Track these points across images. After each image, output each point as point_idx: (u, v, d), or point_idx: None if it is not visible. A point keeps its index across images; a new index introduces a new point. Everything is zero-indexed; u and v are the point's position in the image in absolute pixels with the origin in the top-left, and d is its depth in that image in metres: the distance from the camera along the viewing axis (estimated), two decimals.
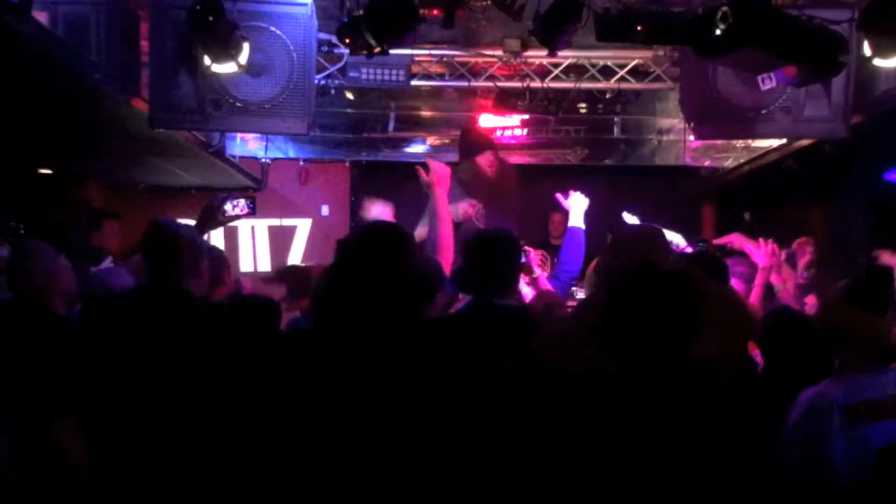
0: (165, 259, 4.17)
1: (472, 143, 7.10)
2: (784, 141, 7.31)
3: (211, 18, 5.04)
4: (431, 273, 4.23)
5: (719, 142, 8.50)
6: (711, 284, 3.87)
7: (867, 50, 5.15)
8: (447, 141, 9.69)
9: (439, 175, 5.47)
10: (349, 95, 8.59)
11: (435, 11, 5.14)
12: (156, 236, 4.23)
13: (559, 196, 6.36)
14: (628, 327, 2.96)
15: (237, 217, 5.47)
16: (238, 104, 5.90)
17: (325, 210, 10.18)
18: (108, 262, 7.04)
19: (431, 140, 9.82)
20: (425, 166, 5.53)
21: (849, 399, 3.40)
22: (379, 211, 7.06)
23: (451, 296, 4.94)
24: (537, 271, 5.53)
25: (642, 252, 3.83)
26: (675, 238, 6.13)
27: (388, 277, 3.14)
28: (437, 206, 5.38)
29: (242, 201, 5.44)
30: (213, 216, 5.26)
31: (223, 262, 5.49)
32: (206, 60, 5.40)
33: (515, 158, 9.43)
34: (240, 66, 5.41)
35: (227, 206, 5.36)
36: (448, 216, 5.36)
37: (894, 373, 3.44)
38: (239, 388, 3.63)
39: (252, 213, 5.55)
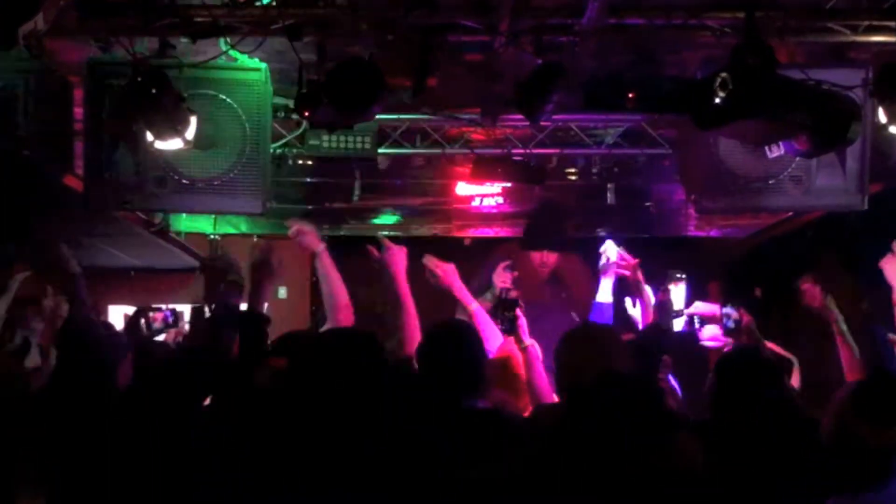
0: (79, 357, 4.28)
1: (537, 232, 7.26)
2: None
3: (154, 91, 5.13)
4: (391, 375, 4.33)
5: None
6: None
7: (882, 116, 5.31)
8: (419, 211, 9.81)
9: (396, 256, 5.63)
10: (309, 163, 8.71)
11: (404, 80, 5.27)
12: (69, 333, 4.38)
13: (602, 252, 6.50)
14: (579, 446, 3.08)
15: (160, 332, 5.55)
16: (184, 181, 5.95)
17: (282, 292, 10.21)
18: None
19: (402, 210, 9.93)
20: (378, 245, 5.67)
21: None
22: None
23: None
24: (527, 340, 5.55)
25: (595, 355, 3.99)
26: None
27: (357, 391, 3.22)
28: (398, 291, 5.53)
29: (161, 316, 5.54)
30: (133, 333, 5.38)
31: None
32: (149, 136, 5.49)
33: (496, 230, 9.56)
34: (186, 142, 5.49)
35: (148, 322, 5.48)
36: (411, 303, 5.51)
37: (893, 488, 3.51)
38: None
39: (174, 325, 5.66)
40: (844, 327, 5.81)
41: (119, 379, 4.46)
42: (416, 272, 6.13)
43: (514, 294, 6.16)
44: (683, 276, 6.10)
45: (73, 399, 4.24)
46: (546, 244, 7.24)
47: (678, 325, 6.07)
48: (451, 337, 4.42)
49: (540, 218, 7.75)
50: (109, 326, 4.64)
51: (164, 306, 5.63)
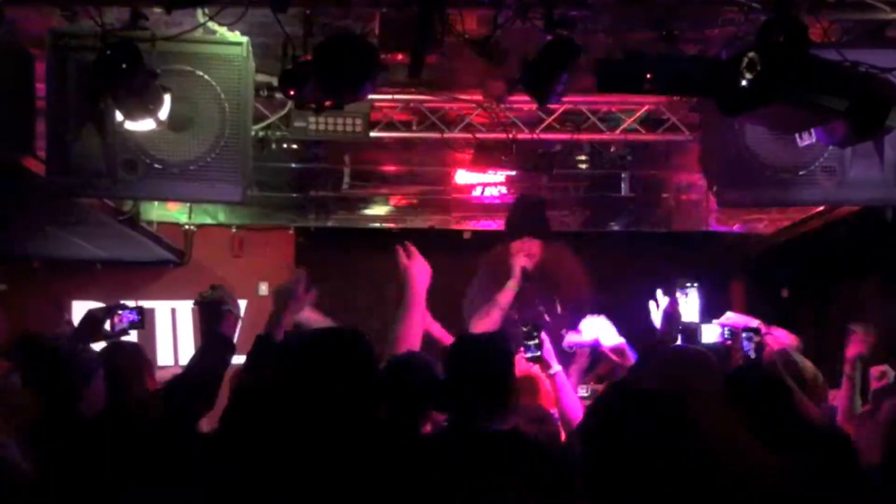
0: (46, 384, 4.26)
1: (516, 222, 7.25)
2: None
3: (124, 66, 5.11)
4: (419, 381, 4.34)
5: None
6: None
7: None
8: (414, 201, 9.79)
9: (421, 267, 5.66)
10: (294, 147, 8.69)
11: (399, 56, 5.25)
12: (27, 355, 4.36)
13: (570, 343, 6.47)
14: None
15: (124, 332, 5.56)
16: (157, 166, 5.90)
17: (263, 289, 10.17)
18: None
19: (395, 200, 9.91)
20: (407, 249, 5.70)
21: None
22: None
23: None
24: (555, 366, 5.55)
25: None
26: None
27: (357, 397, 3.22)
28: (410, 298, 5.53)
29: (127, 313, 5.54)
30: (95, 331, 5.36)
31: (143, 362, 5.56)
32: (118, 116, 5.47)
33: (498, 222, 9.53)
34: (159, 122, 5.47)
35: (113, 321, 5.48)
36: (418, 313, 5.53)
37: None
38: None
39: (140, 326, 5.67)
40: (857, 377, 5.83)
41: (89, 401, 4.43)
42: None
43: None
44: (694, 284, 6.03)
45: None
46: (525, 231, 7.21)
47: (711, 336, 6.01)
48: (476, 350, 4.39)
49: (517, 209, 7.71)
50: (75, 344, 4.60)
51: (130, 303, 5.59)
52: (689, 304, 5.95)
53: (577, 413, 5.33)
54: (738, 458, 3.57)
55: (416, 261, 5.70)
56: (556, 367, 5.48)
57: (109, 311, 5.39)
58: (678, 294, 5.89)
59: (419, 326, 5.53)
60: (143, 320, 5.65)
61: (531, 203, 8.01)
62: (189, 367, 4.69)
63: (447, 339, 6.06)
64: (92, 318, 5.34)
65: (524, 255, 7.05)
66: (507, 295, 6.82)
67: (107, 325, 5.44)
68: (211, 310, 4.83)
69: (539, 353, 5.49)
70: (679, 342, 5.70)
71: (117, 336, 5.55)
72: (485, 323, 6.66)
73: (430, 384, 4.39)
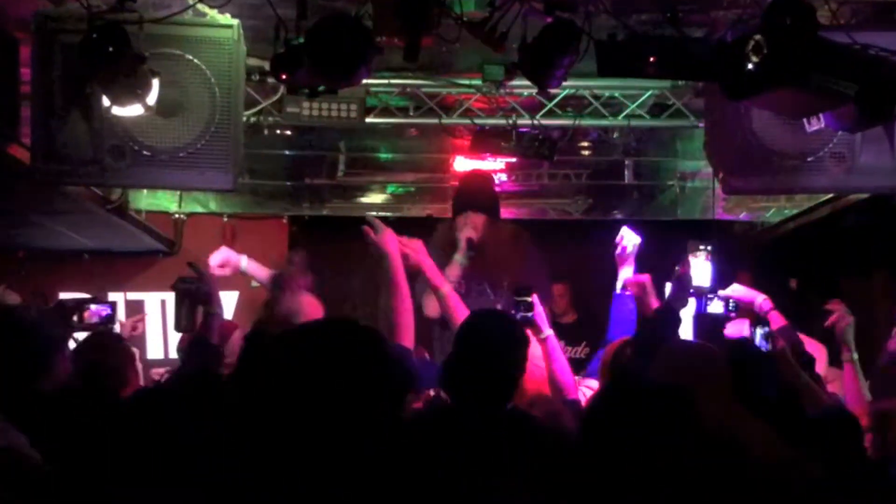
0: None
1: (460, 197, 7.20)
2: None
3: (111, 49, 5.09)
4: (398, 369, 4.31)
5: None
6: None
7: None
8: (412, 189, 9.77)
9: (391, 238, 5.60)
10: (287, 133, 8.67)
11: (395, 39, 5.22)
12: None
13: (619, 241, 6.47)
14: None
15: (94, 326, 5.56)
16: (145, 153, 5.91)
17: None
18: None
19: (392, 188, 9.90)
20: (373, 225, 5.62)
21: None
22: None
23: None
24: (546, 330, 5.53)
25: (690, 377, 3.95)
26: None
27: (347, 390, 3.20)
28: (395, 275, 5.49)
29: (98, 308, 5.57)
30: (64, 322, 5.37)
31: (126, 355, 5.54)
32: (105, 101, 5.45)
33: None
34: (147, 108, 5.46)
35: (83, 315, 5.50)
36: (407, 289, 5.48)
37: None
38: None
39: (110, 321, 5.67)
40: (856, 356, 5.84)
41: (52, 375, 4.44)
42: None
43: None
44: (708, 247, 6.00)
45: None
46: (470, 206, 7.16)
47: (716, 309, 6.03)
48: (482, 329, 4.38)
49: (463, 185, 7.64)
50: (41, 317, 4.59)
51: (107, 300, 5.65)
52: (702, 268, 5.93)
53: (567, 377, 5.35)
54: (740, 457, 3.59)
55: (387, 235, 5.66)
56: (548, 331, 5.47)
57: (80, 305, 5.40)
58: (691, 257, 5.88)
59: (410, 307, 5.51)
60: (115, 316, 5.66)
61: (478, 179, 7.96)
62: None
63: (439, 279, 6.03)
64: (61, 309, 5.35)
65: (469, 227, 7.00)
66: (454, 268, 6.77)
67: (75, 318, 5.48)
68: (194, 299, 4.80)
69: (530, 316, 5.48)
70: (691, 305, 5.73)
71: (85, 330, 5.56)
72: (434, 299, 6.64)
73: (409, 375, 4.39)
